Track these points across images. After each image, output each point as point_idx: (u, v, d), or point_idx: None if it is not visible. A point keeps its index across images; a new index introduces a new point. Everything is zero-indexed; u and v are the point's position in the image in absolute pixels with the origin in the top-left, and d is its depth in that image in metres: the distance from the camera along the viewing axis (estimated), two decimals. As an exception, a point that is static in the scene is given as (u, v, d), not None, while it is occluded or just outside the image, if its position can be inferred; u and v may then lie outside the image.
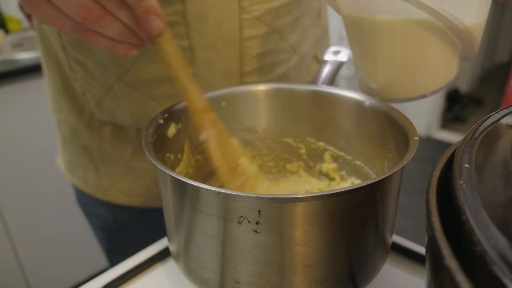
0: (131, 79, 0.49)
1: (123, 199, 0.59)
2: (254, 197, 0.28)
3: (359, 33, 0.39)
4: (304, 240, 0.29)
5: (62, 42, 0.51)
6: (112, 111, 0.53)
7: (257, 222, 0.28)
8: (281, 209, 0.28)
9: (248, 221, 0.28)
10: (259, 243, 0.29)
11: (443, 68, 0.38)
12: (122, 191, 0.59)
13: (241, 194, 0.28)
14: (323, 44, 0.62)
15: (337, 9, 0.42)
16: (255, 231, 0.29)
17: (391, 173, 0.29)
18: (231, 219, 0.29)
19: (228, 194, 0.28)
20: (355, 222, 0.30)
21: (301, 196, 0.28)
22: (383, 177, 0.29)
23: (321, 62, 0.50)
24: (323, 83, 0.47)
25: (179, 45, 0.46)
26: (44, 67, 0.57)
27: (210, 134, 0.39)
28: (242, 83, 0.51)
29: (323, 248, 0.30)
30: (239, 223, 0.29)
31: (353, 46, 0.42)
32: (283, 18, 0.50)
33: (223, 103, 0.46)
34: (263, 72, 0.52)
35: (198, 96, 0.38)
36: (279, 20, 0.49)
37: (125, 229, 0.64)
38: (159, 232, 0.47)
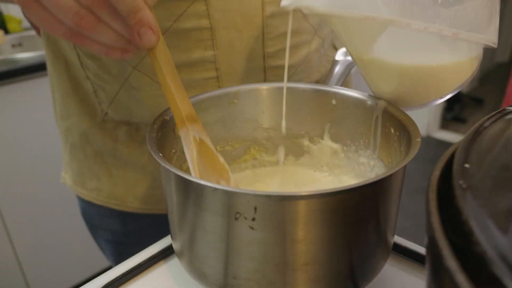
0: (148, 67, 0.47)
1: (139, 207, 0.57)
2: (250, 194, 0.28)
3: (376, 70, 0.39)
4: (300, 238, 0.29)
5: None
6: (127, 108, 0.51)
7: (253, 219, 0.28)
8: (277, 206, 0.28)
9: (245, 217, 0.28)
10: (255, 240, 0.29)
11: (456, 73, 0.38)
12: (138, 198, 0.56)
13: (238, 190, 0.28)
14: None
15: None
16: (251, 228, 0.29)
17: (391, 173, 0.29)
18: (228, 215, 0.29)
19: (225, 190, 0.28)
20: (352, 222, 0.30)
21: (297, 194, 0.28)
22: (383, 177, 0.29)
23: (332, 62, 0.50)
24: (334, 83, 0.47)
25: (199, 25, 0.45)
26: (51, 71, 0.56)
27: (191, 151, 0.38)
28: (265, 66, 0.50)
29: (319, 247, 0.30)
30: (236, 219, 0.29)
31: (363, 70, 0.41)
32: None
33: (235, 101, 0.46)
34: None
35: (186, 104, 0.38)
36: None
37: (135, 241, 0.61)
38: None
